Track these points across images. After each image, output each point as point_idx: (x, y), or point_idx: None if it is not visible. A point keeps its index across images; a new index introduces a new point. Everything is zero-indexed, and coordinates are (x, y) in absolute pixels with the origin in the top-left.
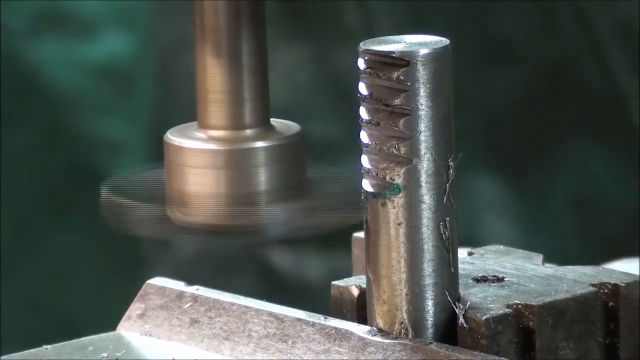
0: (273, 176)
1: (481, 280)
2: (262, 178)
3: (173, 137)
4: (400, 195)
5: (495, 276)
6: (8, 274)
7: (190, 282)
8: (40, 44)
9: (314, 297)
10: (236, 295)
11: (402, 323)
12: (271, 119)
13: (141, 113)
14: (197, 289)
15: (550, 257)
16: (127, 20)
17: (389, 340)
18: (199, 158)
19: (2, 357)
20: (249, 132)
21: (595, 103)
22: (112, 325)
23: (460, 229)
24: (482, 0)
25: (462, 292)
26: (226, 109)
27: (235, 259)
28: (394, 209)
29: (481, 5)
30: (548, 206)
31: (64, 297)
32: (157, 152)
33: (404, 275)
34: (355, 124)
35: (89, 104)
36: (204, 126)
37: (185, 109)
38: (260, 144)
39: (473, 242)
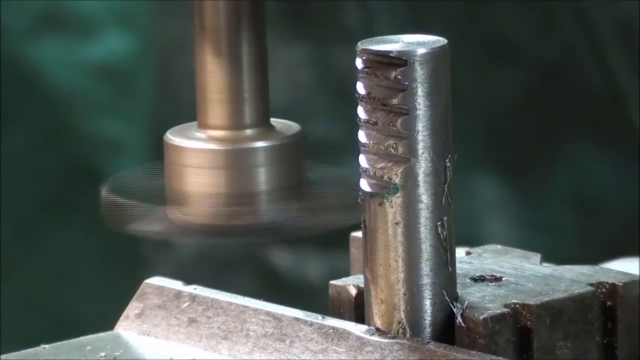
0: (273, 176)
1: (479, 279)
2: (262, 178)
3: (173, 137)
4: (398, 194)
5: (493, 276)
6: (8, 274)
7: (190, 282)
8: (40, 44)
9: (313, 296)
10: (234, 295)
11: (399, 322)
12: (271, 119)
13: (141, 113)
14: (195, 289)
15: (550, 257)
16: (127, 20)
17: (386, 340)
18: (199, 158)
19: (2, 357)
20: (248, 132)
21: (595, 103)
22: (112, 325)
23: (460, 228)
24: (482, 0)
25: (459, 291)
26: (226, 109)
27: (235, 258)
28: (392, 209)
29: (481, 5)
30: (548, 206)
31: (64, 297)
32: (157, 152)
33: (401, 275)
34: (355, 124)
35: (89, 104)
36: (203, 126)
37: (185, 109)
38: (260, 143)
39: (473, 241)
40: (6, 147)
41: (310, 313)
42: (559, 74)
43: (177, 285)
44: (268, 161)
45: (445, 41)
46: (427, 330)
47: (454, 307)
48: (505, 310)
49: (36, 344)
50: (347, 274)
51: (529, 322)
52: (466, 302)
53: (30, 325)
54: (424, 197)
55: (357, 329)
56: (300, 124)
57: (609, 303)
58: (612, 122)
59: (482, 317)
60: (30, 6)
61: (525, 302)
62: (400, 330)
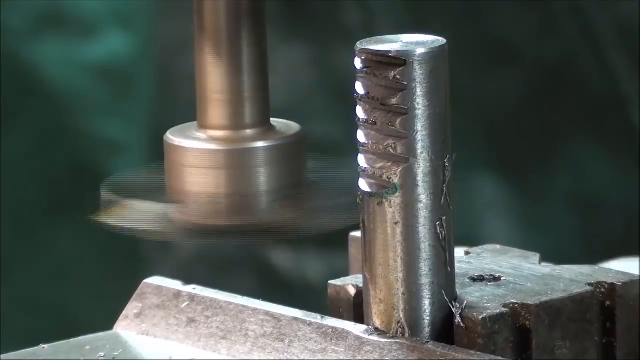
0: (273, 176)
1: (478, 279)
2: (262, 178)
3: (173, 137)
4: (397, 194)
5: (492, 275)
6: (8, 274)
7: (190, 282)
8: (40, 44)
9: (313, 296)
10: (233, 295)
11: (398, 322)
12: (271, 119)
13: (141, 113)
14: (194, 288)
15: (550, 257)
16: (127, 20)
17: (385, 340)
18: (199, 158)
19: (2, 357)
20: (249, 132)
21: (594, 103)
22: (112, 325)
23: (460, 228)
24: (482, 0)
25: (458, 291)
26: (226, 109)
27: (235, 258)
28: (391, 208)
29: (481, 5)
30: (548, 206)
31: (64, 297)
32: (157, 152)
33: (400, 275)
34: (354, 123)
35: (89, 104)
36: (204, 126)
37: (185, 109)
38: (260, 144)
39: (473, 241)
40: (6, 147)
41: (309, 313)
42: (558, 74)
43: (176, 285)
44: (268, 161)
45: (444, 41)
46: (426, 330)
47: (453, 307)
48: (504, 310)
49: (36, 343)
50: (346, 273)
51: (527, 322)
52: (465, 302)
53: (30, 325)
54: (423, 196)
55: (356, 328)
56: (300, 124)
57: (608, 303)
58: (612, 122)
59: (481, 317)
60: (30, 6)
61: (524, 302)
62: (399, 330)
